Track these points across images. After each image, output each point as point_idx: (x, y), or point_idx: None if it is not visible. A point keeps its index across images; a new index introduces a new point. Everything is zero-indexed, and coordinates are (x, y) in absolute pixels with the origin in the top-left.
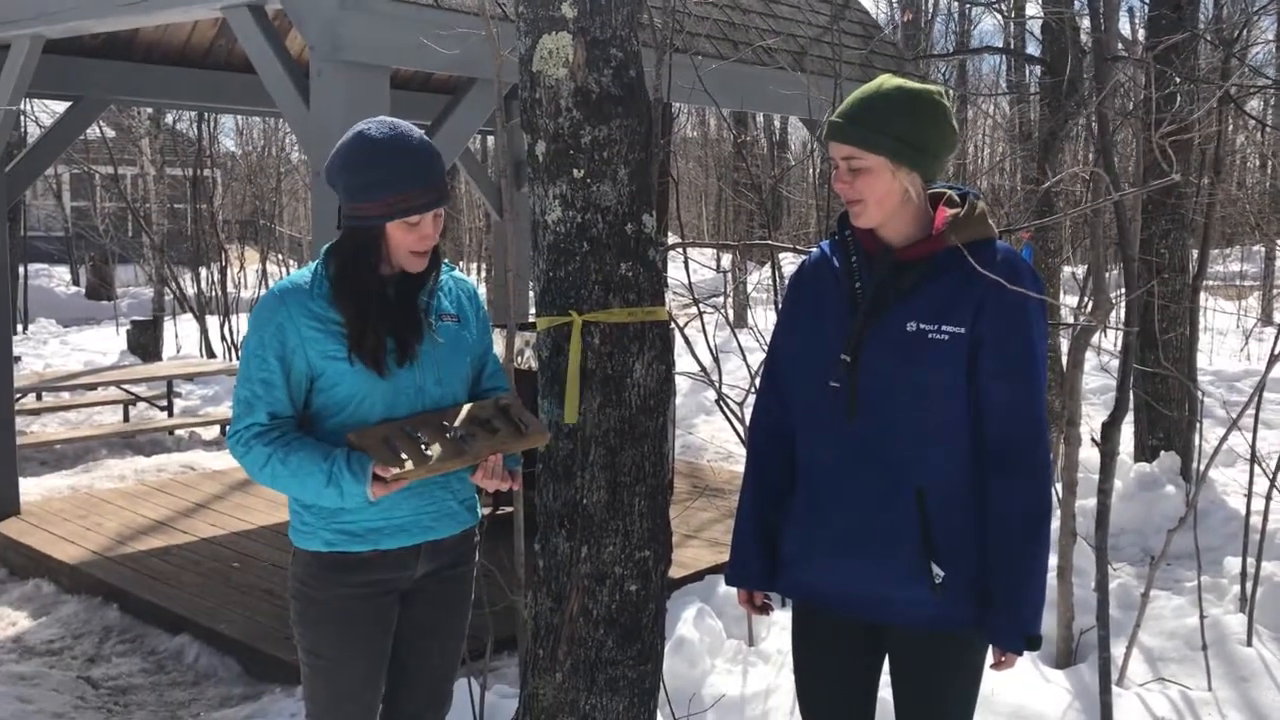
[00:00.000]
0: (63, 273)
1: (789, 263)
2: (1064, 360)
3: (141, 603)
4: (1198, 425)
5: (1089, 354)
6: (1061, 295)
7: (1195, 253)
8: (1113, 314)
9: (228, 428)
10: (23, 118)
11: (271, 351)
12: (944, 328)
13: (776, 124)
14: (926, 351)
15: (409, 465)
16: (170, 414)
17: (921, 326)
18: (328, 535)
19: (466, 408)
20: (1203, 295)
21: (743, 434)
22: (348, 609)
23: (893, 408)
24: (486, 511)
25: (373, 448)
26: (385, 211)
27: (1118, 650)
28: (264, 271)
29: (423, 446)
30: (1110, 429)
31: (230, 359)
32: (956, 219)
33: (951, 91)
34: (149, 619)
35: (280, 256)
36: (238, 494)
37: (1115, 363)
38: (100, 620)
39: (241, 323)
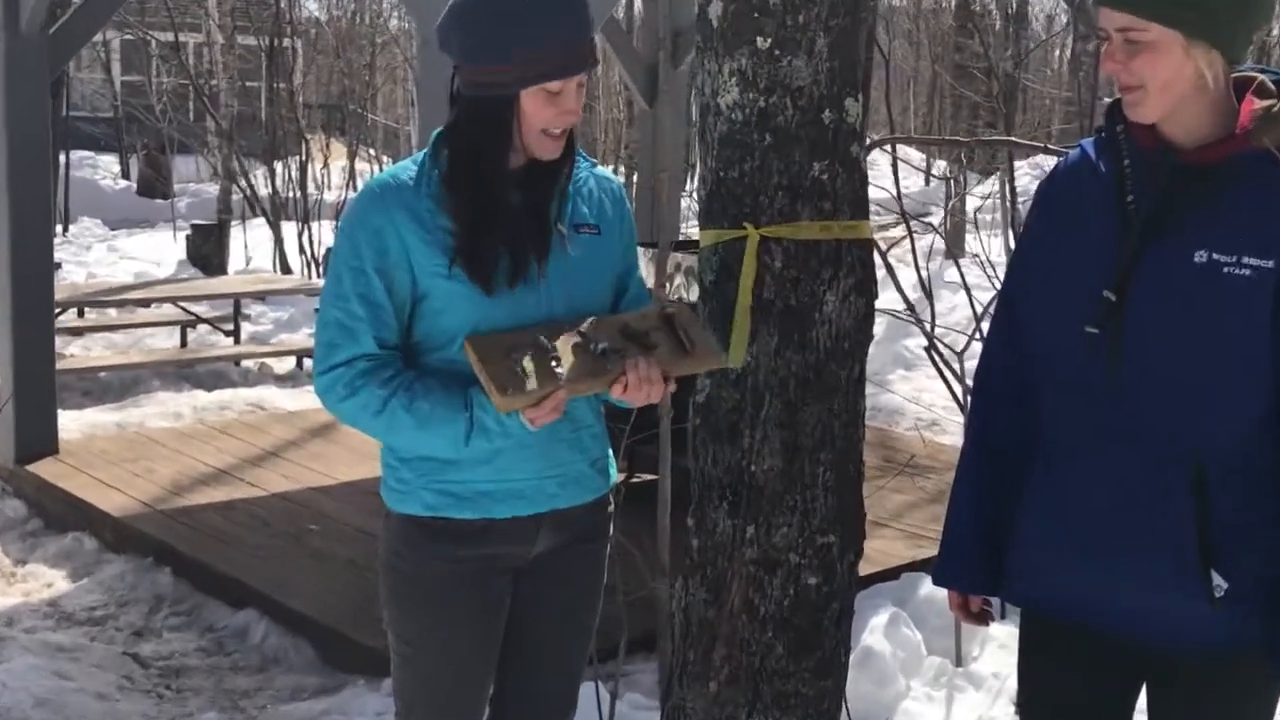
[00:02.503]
0: (111, 163)
1: (1026, 173)
2: None
3: (199, 567)
4: None
5: None
6: None
7: None
8: None
9: (312, 362)
10: None
11: (370, 262)
12: (1245, 259)
13: None
14: (1219, 289)
15: (530, 385)
16: (236, 340)
17: (1215, 257)
18: (428, 497)
19: (618, 316)
20: None
21: (960, 394)
22: (449, 588)
23: (1169, 362)
24: (622, 476)
25: (492, 361)
26: (517, 76)
27: None
28: (352, 170)
29: (553, 362)
30: None
31: (310, 275)
32: (1269, 113)
33: None
34: (207, 588)
35: (372, 152)
36: (316, 441)
37: None
38: (150, 586)
39: (324, 232)
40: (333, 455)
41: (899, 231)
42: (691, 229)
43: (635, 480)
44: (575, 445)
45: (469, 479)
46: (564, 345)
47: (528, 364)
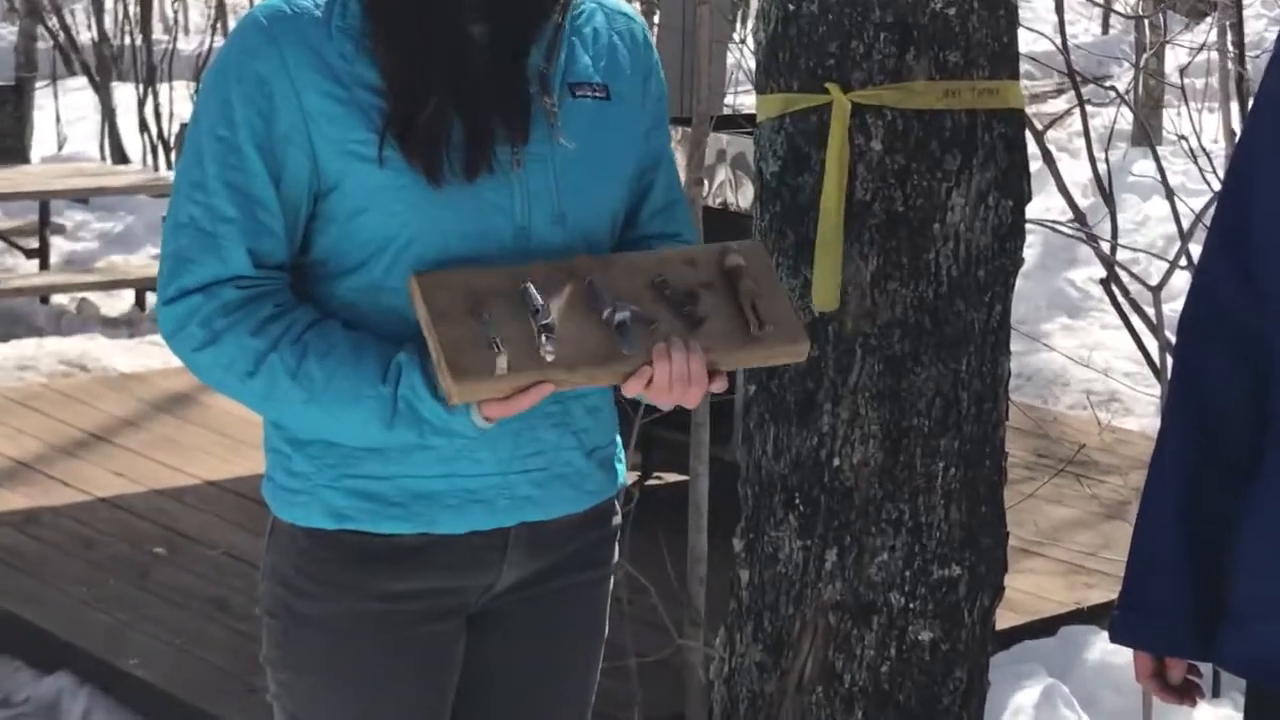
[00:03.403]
0: None
1: (1260, 13)
2: None
3: None
4: None
5: None
6: None
7: None
8: None
9: (157, 292)
10: None
11: (247, 133)
12: None
13: None
14: None
15: (501, 367)
16: (44, 265)
17: None
18: (336, 499)
19: (652, 256)
20: None
21: (1156, 353)
22: (369, 641)
23: None
24: (633, 477)
25: (450, 318)
26: None
27: None
28: (220, 5)
29: (542, 334)
30: None
31: (157, 165)
32: None
33: None
34: (1, 642)
35: None
36: (167, 418)
37: None
38: None
39: (178, 99)
40: (192, 440)
41: (1063, 102)
42: (744, 96)
43: (654, 481)
44: (563, 424)
45: (398, 473)
46: (560, 304)
47: (502, 329)
